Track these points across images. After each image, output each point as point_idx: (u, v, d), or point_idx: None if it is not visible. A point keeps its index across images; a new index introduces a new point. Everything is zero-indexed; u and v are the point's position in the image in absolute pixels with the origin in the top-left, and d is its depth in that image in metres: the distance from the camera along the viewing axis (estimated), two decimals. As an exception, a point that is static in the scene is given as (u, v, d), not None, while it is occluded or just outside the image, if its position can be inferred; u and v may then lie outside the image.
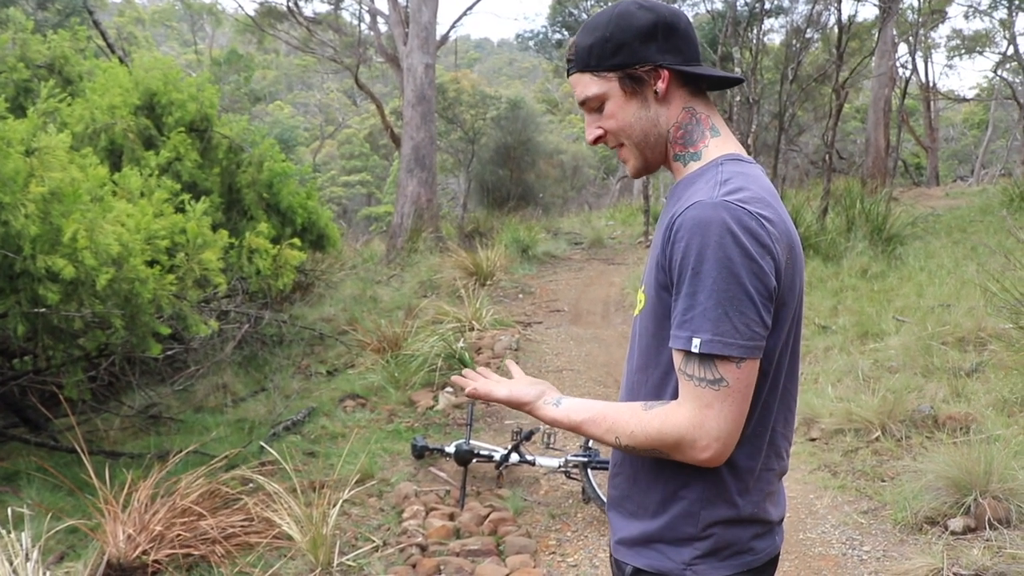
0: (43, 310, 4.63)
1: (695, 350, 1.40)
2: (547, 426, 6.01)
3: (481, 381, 1.74)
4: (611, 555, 1.70)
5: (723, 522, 1.52)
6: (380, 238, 19.09)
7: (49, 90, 6.24)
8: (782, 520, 1.67)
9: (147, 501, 4.08)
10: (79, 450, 4.31)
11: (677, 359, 1.45)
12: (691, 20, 1.63)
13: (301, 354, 8.47)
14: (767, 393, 1.52)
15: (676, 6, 1.73)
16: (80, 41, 8.65)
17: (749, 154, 1.68)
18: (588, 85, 1.61)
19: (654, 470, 1.56)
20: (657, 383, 1.57)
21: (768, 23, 19.47)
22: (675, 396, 1.50)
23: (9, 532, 3.63)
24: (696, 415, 1.42)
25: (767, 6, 15.81)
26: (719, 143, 1.60)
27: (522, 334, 8.86)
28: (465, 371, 1.80)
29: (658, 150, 1.63)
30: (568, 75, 1.66)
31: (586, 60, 1.60)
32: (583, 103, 1.64)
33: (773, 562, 1.63)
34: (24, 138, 4.66)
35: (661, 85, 1.57)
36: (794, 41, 16.25)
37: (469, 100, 24.15)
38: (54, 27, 10.45)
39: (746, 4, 15.81)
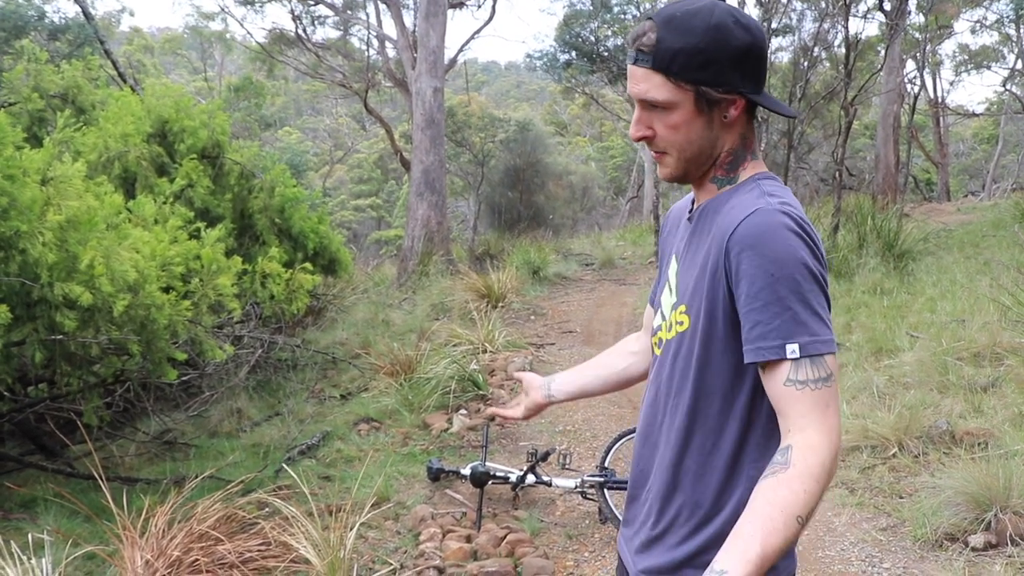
0: (60, 337, 4.66)
1: (793, 355, 1.34)
2: (562, 446, 6.00)
3: None
4: None
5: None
6: (391, 261, 19.13)
7: (65, 120, 6.30)
8: None
9: (164, 526, 4.07)
10: (96, 476, 4.32)
11: (781, 371, 1.37)
12: None
13: (314, 378, 8.47)
14: None
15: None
16: (92, 70, 8.72)
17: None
18: (659, 88, 1.46)
19: (715, 491, 1.51)
20: (690, 407, 1.53)
21: (776, 42, 19.52)
22: (717, 418, 1.48)
23: (29, 559, 3.64)
24: (824, 423, 1.34)
25: (774, 25, 15.85)
26: (753, 166, 1.57)
27: (535, 355, 8.85)
28: None
29: (702, 168, 1.56)
30: (633, 63, 1.49)
31: (667, 62, 1.44)
32: (642, 101, 1.50)
33: None
34: (40, 167, 4.70)
35: (733, 112, 1.49)
36: (802, 59, 16.29)
37: (478, 123, 24.29)
38: (66, 57, 10.56)
39: (753, 23, 15.82)
